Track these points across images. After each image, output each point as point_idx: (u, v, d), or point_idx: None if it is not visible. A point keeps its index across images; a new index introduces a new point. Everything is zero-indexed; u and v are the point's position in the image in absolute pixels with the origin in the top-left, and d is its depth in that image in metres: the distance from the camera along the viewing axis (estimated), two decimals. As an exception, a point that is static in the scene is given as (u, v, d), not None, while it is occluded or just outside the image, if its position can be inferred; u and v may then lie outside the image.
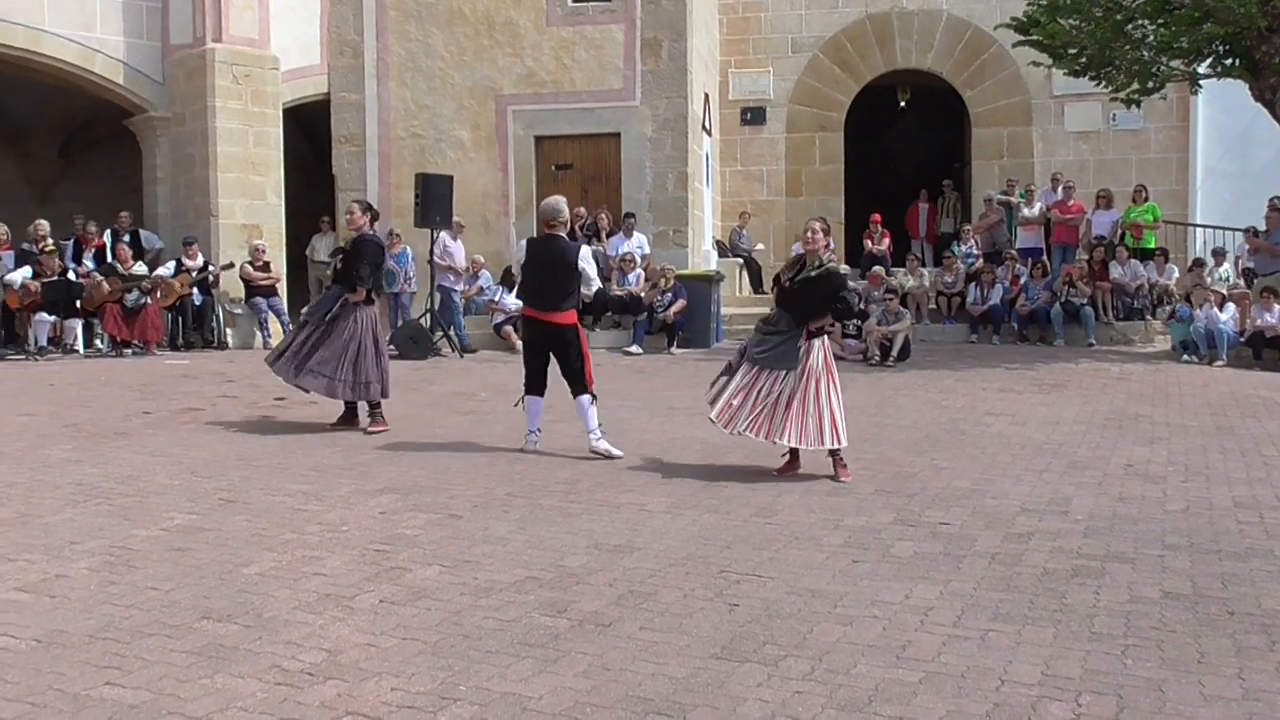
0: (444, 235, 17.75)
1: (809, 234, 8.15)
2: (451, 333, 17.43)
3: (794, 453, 8.20)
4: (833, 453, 8.06)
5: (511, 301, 17.87)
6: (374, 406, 10.16)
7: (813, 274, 8.08)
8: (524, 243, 9.49)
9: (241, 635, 4.82)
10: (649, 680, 4.34)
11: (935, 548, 6.21)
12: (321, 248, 19.98)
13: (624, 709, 4.08)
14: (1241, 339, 15.45)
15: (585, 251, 9.12)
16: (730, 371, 8.19)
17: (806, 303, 8.05)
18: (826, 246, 8.28)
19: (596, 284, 9.39)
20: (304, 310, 10.26)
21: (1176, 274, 17.90)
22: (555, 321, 8.99)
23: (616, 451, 8.79)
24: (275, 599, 5.31)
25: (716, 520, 6.83)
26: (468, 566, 5.84)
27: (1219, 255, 17.78)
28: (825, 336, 8.18)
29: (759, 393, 7.94)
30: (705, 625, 4.95)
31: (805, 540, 6.37)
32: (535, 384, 9.17)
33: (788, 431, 7.83)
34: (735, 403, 8.01)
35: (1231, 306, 15.67)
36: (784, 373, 7.90)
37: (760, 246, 21.71)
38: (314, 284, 20.23)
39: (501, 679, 4.35)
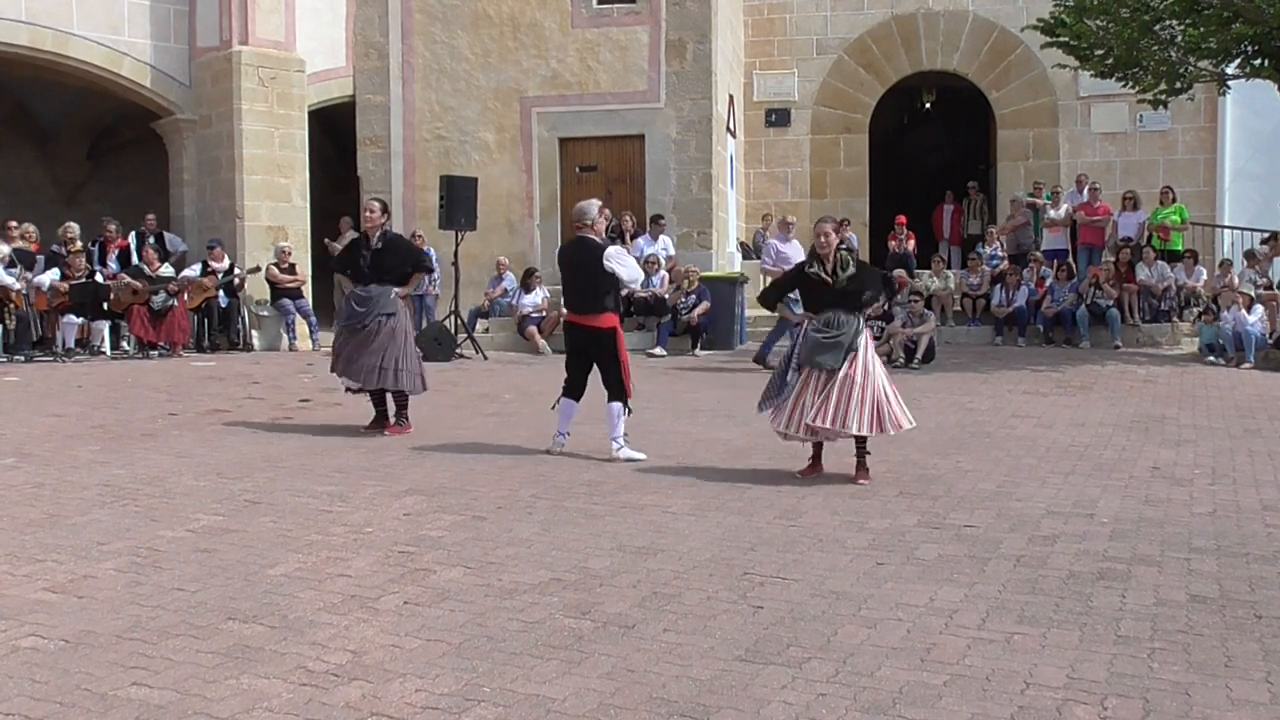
0: (774, 241, 16.61)
1: (822, 238, 8.15)
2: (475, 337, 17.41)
3: (817, 454, 8.20)
4: (859, 454, 8.05)
5: (529, 301, 17.94)
6: (402, 407, 10.18)
7: (854, 271, 8.14)
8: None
9: (267, 636, 4.84)
10: (673, 682, 4.34)
11: (960, 550, 6.19)
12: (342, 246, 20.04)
13: (648, 711, 4.08)
14: (1270, 340, 15.34)
15: (612, 251, 9.02)
16: (785, 386, 8.07)
17: (854, 296, 8.11)
18: (841, 244, 8.30)
19: (634, 281, 9.23)
20: (355, 316, 10.02)
21: (1205, 276, 17.79)
22: (591, 325, 8.99)
23: (639, 455, 8.79)
24: (300, 600, 5.33)
25: (740, 522, 6.83)
26: (492, 568, 5.85)
27: (1250, 258, 17.61)
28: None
29: (824, 390, 7.90)
30: (729, 627, 4.94)
31: (829, 542, 6.36)
32: (572, 388, 9.16)
33: (858, 421, 7.83)
34: (804, 404, 7.93)
35: (1260, 308, 15.57)
36: (843, 366, 7.89)
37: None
38: (337, 285, 20.26)
39: (525, 680, 4.35)
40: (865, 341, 8.07)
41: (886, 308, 15.90)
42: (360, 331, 9.97)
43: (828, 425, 7.86)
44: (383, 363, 9.89)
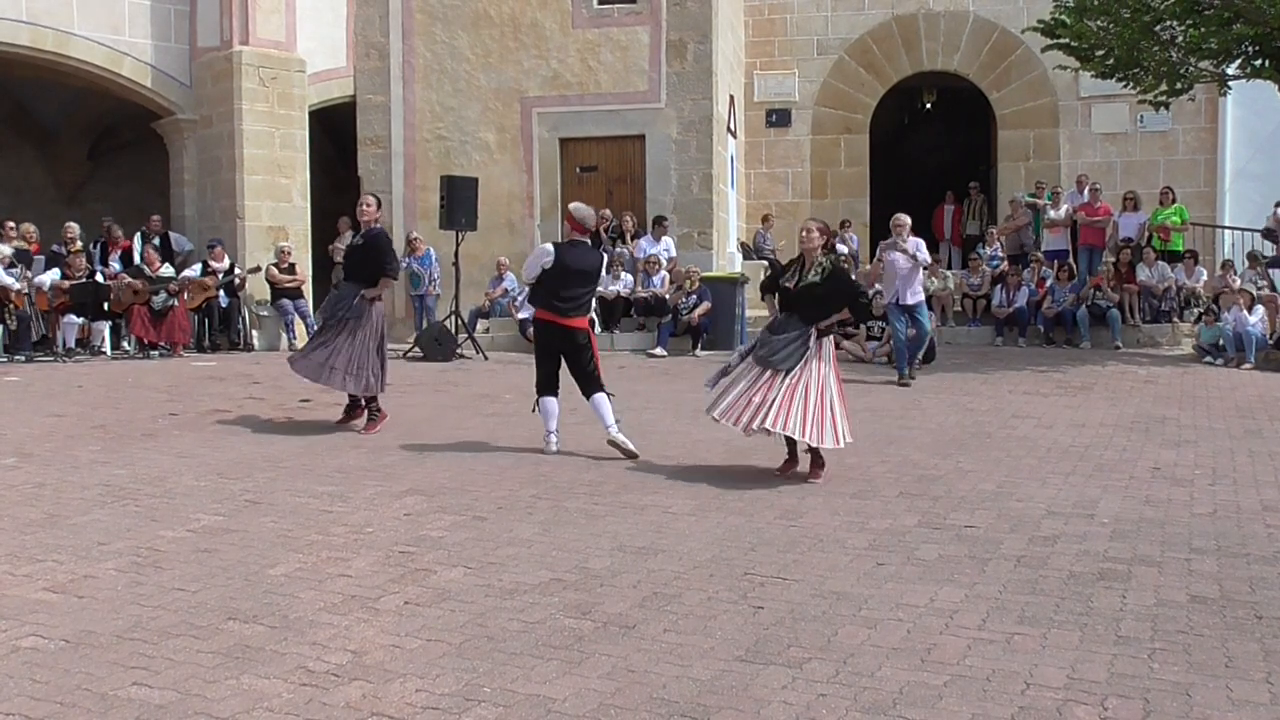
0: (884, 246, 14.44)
1: (804, 234, 8.19)
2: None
3: (793, 452, 8.20)
4: (812, 452, 8.05)
5: None
6: (370, 403, 10.21)
7: (815, 277, 8.08)
8: (546, 246, 9.42)
9: (267, 636, 4.84)
10: (673, 682, 4.34)
11: (960, 551, 6.19)
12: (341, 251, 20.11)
13: (648, 711, 4.08)
14: (1270, 341, 15.34)
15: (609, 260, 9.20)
16: (728, 371, 8.27)
17: (814, 304, 8.06)
18: (825, 246, 8.25)
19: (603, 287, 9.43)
20: (322, 311, 10.37)
21: (1205, 276, 17.80)
22: (571, 325, 9.04)
23: (633, 448, 8.81)
24: (301, 600, 5.33)
25: (741, 523, 6.83)
26: (492, 568, 5.86)
27: (1252, 259, 17.63)
28: (831, 336, 8.21)
29: (758, 387, 7.93)
30: (730, 628, 4.94)
31: (830, 543, 6.36)
32: (549, 385, 9.18)
33: (788, 421, 7.81)
34: (731, 398, 8.03)
35: (1260, 309, 15.57)
36: (784, 372, 7.89)
37: (782, 244, 21.66)
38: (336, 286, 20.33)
39: (526, 680, 4.35)
40: (822, 352, 8.03)
41: (860, 322, 15.84)
42: (323, 331, 10.20)
43: (771, 427, 7.87)
44: (331, 361, 9.98)
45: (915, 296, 13.88)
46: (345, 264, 10.48)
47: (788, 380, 7.87)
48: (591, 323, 9.40)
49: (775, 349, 7.98)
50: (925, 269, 14.04)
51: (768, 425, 7.83)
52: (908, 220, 14.05)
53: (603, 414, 8.95)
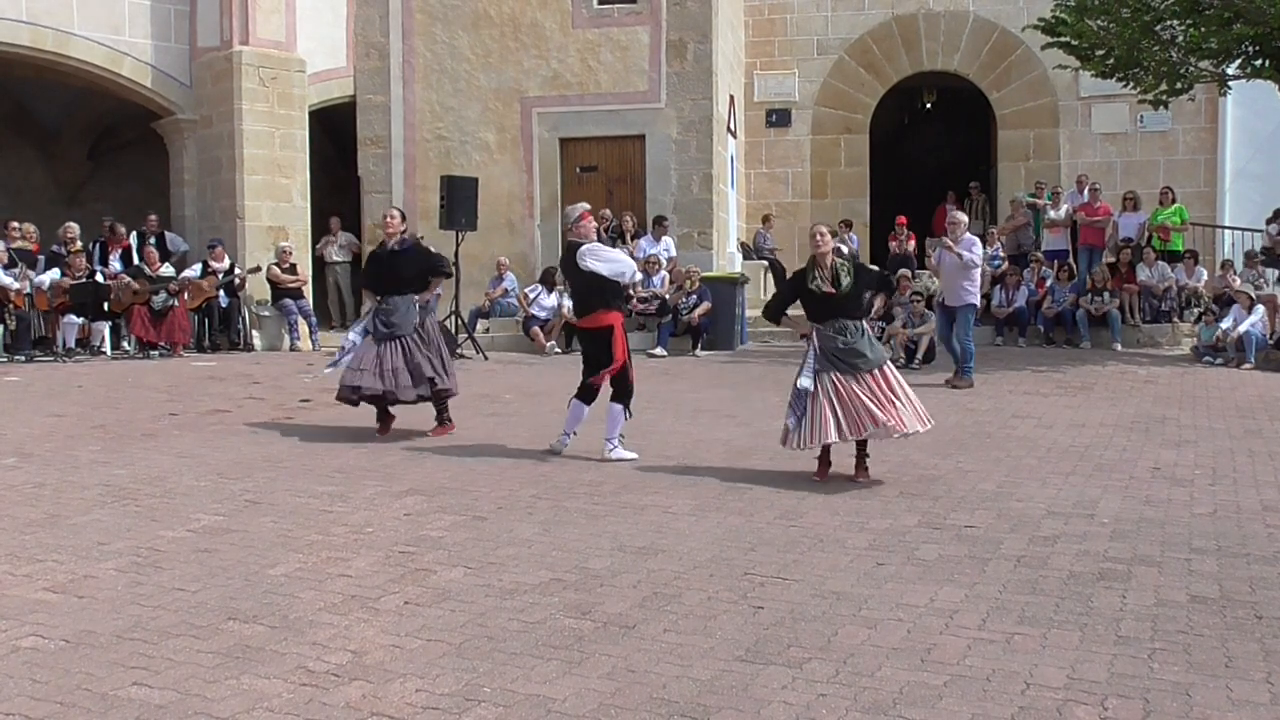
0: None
1: (818, 237, 8.20)
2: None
3: (826, 454, 8.16)
4: (860, 452, 8.06)
5: (548, 303, 17.87)
6: (445, 408, 10.13)
7: (849, 277, 8.15)
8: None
9: (267, 636, 4.84)
10: (673, 682, 4.34)
11: (960, 551, 6.19)
12: (334, 249, 20.14)
13: (648, 711, 4.08)
14: (1270, 341, 15.34)
15: (584, 249, 8.90)
16: (810, 395, 7.95)
17: (858, 301, 8.20)
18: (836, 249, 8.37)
19: (620, 275, 9.08)
20: (381, 325, 9.93)
21: (1205, 276, 17.80)
22: (587, 326, 9.04)
23: (630, 455, 8.79)
24: (301, 600, 5.33)
25: (741, 523, 6.83)
26: (492, 568, 5.86)
27: (1250, 259, 17.65)
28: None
29: (863, 394, 7.88)
30: (730, 628, 4.94)
31: (830, 543, 6.36)
32: (580, 391, 9.09)
33: (900, 419, 7.90)
34: (840, 413, 7.85)
35: (1261, 309, 15.56)
36: (879, 367, 7.98)
37: (783, 248, 21.68)
38: (331, 287, 20.32)
39: (526, 680, 4.35)
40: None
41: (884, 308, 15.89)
42: (393, 341, 9.84)
43: (890, 424, 7.86)
44: (431, 370, 9.86)
45: (965, 298, 13.36)
46: (385, 276, 10.04)
47: (883, 376, 7.96)
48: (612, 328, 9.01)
49: (863, 350, 7.96)
50: (975, 269, 13.40)
51: (904, 430, 7.90)
52: (963, 218, 13.71)
53: (608, 424, 8.91)
